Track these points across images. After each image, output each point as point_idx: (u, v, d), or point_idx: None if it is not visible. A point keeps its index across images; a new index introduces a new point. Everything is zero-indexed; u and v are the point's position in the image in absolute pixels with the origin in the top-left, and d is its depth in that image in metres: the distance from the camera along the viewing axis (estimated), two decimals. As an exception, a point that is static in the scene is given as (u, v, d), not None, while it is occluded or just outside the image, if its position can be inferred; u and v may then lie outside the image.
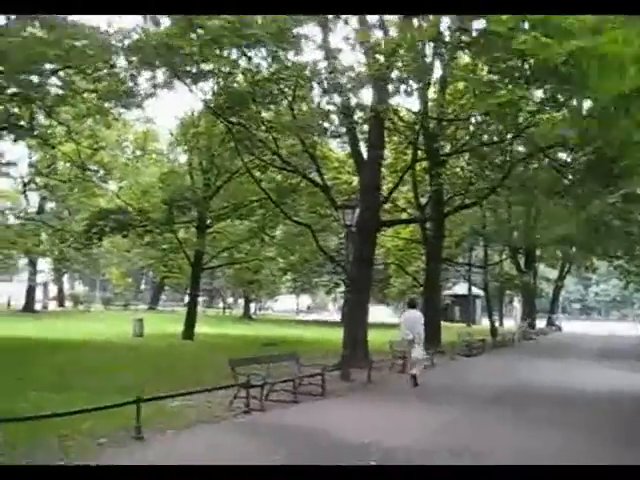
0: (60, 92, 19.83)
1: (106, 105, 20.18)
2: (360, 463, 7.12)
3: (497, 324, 40.47)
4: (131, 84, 17.50)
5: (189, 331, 27.17)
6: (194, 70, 16.61)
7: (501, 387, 14.95)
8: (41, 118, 24.31)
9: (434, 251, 26.09)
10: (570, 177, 21.02)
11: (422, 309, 23.20)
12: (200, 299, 70.27)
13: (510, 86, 14.84)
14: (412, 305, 16.00)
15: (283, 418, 10.08)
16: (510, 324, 50.35)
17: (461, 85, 21.78)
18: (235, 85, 17.62)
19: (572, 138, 14.32)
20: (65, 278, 69.03)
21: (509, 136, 18.10)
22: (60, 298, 61.40)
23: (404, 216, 28.56)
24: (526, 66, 15.48)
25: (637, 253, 26.29)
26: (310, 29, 18.07)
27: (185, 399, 10.50)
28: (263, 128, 18.32)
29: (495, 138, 20.12)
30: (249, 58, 17.22)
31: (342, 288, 44.56)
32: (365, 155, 19.35)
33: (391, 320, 41.85)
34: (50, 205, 48.00)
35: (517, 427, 10.06)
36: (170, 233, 27.63)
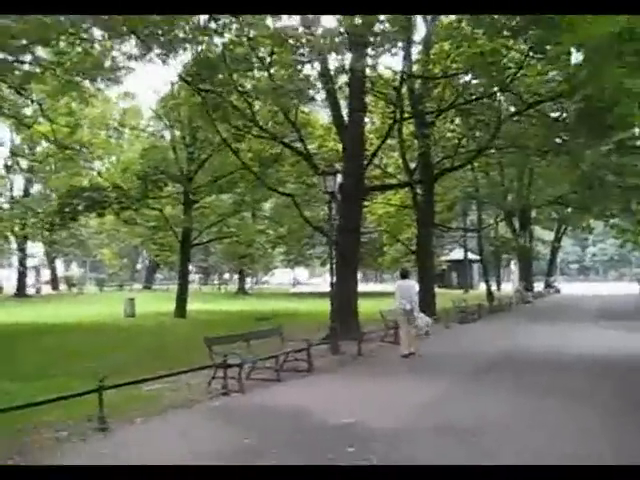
0: (28, 68, 18.98)
1: (78, 80, 19.35)
2: (341, 446, 6.64)
3: (494, 288, 40.03)
4: (101, 56, 16.69)
5: (181, 309, 26.86)
6: (163, 39, 15.71)
7: (496, 355, 14.45)
8: (18, 97, 23.47)
9: (425, 216, 25.46)
10: (561, 133, 20.31)
11: (416, 276, 22.76)
12: (196, 276, 70.36)
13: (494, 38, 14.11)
14: (404, 275, 15.44)
15: (262, 399, 9.48)
16: (508, 288, 50.04)
17: (446, 45, 21.04)
18: (208, 53, 16.81)
19: (560, 82, 13.62)
20: (60, 261, 68.63)
21: (495, 89, 17.33)
22: (53, 281, 60.87)
23: (394, 182, 27.82)
24: (512, 22, 14.78)
25: (633, 209, 25.66)
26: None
27: (164, 381, 9.94)
28: (237, 95, 17.52)
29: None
30: (221, 23, 16.33)
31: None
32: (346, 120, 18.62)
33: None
34: (37, 187, 47.33)
35: (512, 395, 9.57)
36: (148, 209, 26.92)
